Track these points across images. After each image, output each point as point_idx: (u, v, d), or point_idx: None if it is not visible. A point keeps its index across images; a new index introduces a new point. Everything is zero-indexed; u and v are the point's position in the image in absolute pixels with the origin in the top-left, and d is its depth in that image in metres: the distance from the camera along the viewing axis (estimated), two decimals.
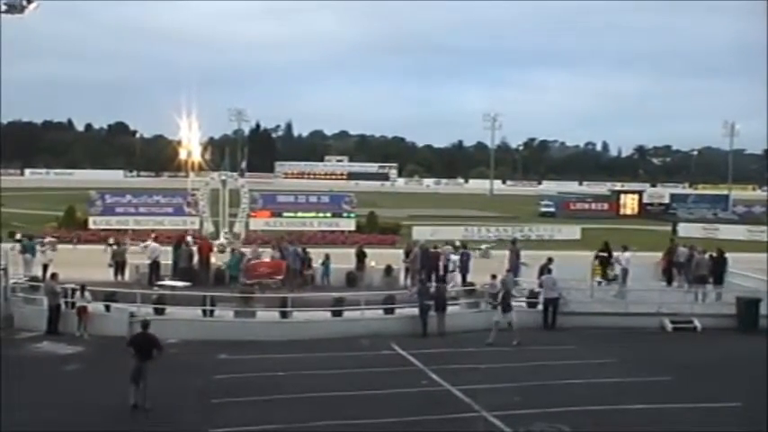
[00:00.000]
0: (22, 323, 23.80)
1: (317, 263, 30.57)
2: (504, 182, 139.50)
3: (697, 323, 25.70)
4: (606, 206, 77.72)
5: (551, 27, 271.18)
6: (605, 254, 29.90)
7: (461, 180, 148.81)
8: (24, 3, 24.63)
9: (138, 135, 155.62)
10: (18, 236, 34.16)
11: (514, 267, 29.57)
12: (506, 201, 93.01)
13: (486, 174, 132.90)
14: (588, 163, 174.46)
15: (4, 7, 24.55)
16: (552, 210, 74.73)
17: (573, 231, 51.00)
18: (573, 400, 17.03)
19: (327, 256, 30.98)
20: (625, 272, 29.03)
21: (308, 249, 31.71)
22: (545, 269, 28.02)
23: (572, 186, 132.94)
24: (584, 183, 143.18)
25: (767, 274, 28.09)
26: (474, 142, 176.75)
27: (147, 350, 16.48)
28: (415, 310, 24.37)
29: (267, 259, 30.05)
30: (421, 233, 45.25)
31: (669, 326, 25.61)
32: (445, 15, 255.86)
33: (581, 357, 21.46)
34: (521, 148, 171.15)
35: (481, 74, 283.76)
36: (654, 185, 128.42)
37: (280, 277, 28.61)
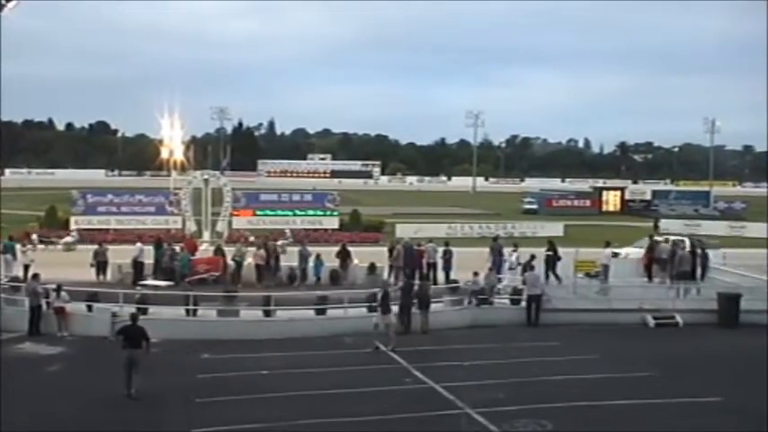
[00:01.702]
0: (3, 324, 23.55)
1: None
2: (486, 179, 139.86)
3: (679, 319, 25.89)
4: (589, 203, 78.11)
5: (534, 25, 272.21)
6: (551, 252, 30.08)
7: (444, 178, 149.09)
8: (3, 2, 24.41)
9: (119, 134, 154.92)
10: None
11: (497, 265, 29.71)
12: (489, 198, 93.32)
13: (469, 171, 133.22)
14: (570, 160, 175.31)
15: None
16: (535, 207, 75.02)
17: (556, 228, 51.20)
18: (556, 396, 17.09)
19: (318, 256, 31.11)
20: (606, 268, 29.21)
21: (289, 248, 31.81)
22: (528, 266, 28.15)
23: (555, 183, 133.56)
24: (567, 180, 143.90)
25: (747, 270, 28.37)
26: (457, 140, 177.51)
27: (137, 340, 17.08)
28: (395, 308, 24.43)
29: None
30: (404, 231, 45.32)
31: (651, 321, 25.78)
32: (428, 13, 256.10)
33: (564, 354, 21.56)
34: (503, 145, 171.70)
35: (464, 71, 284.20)
36: (636, 182, 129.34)
37: (217, 273, 29.62)
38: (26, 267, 28.96)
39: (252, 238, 36.88)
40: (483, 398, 16.82)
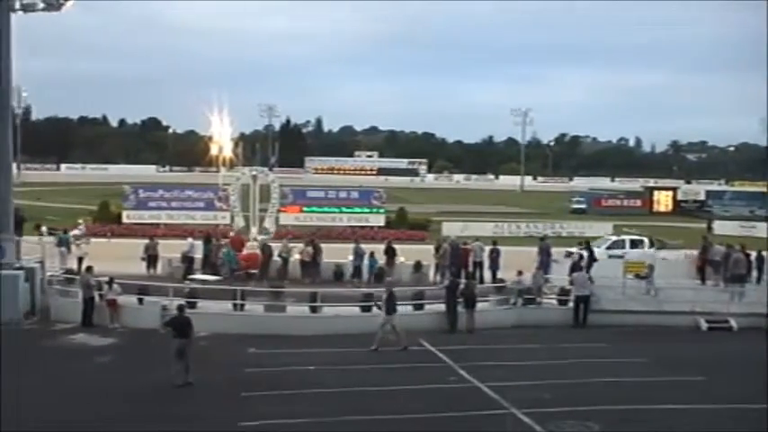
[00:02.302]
0: (57, 315, 24.18)
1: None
2: (534, 178, 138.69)
3: (733, 323, 25.43)
4: (639, 203, 77.05)
5: (583, 23, 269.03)
6: (587, 253, 29.72)
7: (491, 176, 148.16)
8: (62, 0, 24.92)
9: (170, 130, 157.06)
10: (43, 229, 34.63)
11: (544, 264, 29.50)
12: (537, 197, 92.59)
13: (516, 170, 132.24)
14: (621, 159, 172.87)
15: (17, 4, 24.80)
16: (583, 206, 74.23)
17: (605, 228, 50.58)
18: (603, 398, 16.94)
19: (372, 254, 31.27)
20: (651, 269, 28.78)
21: (339, 245, 31.94)
22: (576, 266, 27.91)
23: (604, 182, 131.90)
24: (617, 179, 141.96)
25: None
26: (504, 138, 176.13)
27: (185, 330, 17.64)
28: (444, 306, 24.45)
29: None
30: (451, 229, 45.21)
31: (704, 325, 25.35)
32: (478, 10, 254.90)
33: (612, 356, 21.34)
34: (552, 143, 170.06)
35: (513, 69, 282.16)
36: (688, 182, 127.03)
37: (254, 270, 29.80)
38: (80, 260, 29.58)
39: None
40: (529, 398, 16.72)
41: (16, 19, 24.83)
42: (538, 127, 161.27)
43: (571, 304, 25.64)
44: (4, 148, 25.35)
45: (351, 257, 31.33)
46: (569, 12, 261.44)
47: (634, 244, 35.85)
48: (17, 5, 24.68)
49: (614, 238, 38.51)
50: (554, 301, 26.41)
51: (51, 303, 24.66)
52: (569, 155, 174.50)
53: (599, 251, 33.26)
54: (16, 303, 23.71)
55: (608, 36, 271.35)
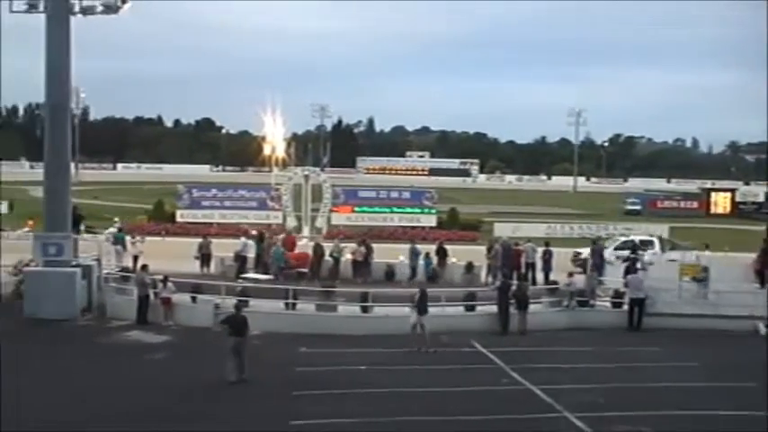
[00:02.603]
0: (113, 312, 24.59)
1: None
2: (588, 179, 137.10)
3: None
4: (696, 204, 75.61)
5: (637, 21, 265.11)
6: (632, 255, 29.14)
7: (544, 177, 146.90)
8: (119, 3, 25.35)
9: (224, 131, 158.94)
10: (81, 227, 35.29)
11: (597, 266, 29.12)
12: (590, 198, 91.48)
13: (569, 170, 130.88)
14: (677, 160, 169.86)
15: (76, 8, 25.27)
16: (638, 208, 73.12)
17: (660, 230, 49.70)
18: (656, 403, 16.66)
19: (428, 254, 31.25)
20: (706, 271, 28.16)
21: (390, 245, 31.98)
22: (631, 269, 27.49)
23: (660, 184, 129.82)
24: (673, 180, 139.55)
25: None
26: (557, 138, 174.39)
27: (241, 329, 17.88)
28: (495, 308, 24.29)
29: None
30: (503, 230, 44.91)
31: (763, 329, 24.73)
32: (528, 9, 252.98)
33: (666, 360, 20.94)
34: (606, 144, 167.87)
35: (565, 69, 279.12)
36: (747, 183, 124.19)
37: (304, 269, 30.03)
38: (135, 258, 30.06)
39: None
40: (582, 402, 16.53)
41: (75, 22, 25.32)
42: (591, 127, 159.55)
43: (625, 307, 25.26)
44: (62, 148, 25.87)
45: (401, 258, 31.34)
46: (624, 10, 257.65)
47: (644, 245, 34.99)
48: (77, 9, 25.17)
49: (623, 238, 37.68)
50: (608, 304, 26.05)
51: (107, 300, 25.09)
52: (624, 155, 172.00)
53: (607, 252, 32.76)
54: (73, 300, 24.20)
55: (665, 35, 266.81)
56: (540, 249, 31.60)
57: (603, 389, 17.69)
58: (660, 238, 37.01)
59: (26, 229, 39.87)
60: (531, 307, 24.56)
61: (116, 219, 38.39)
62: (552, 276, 29.67)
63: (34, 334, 22.05)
